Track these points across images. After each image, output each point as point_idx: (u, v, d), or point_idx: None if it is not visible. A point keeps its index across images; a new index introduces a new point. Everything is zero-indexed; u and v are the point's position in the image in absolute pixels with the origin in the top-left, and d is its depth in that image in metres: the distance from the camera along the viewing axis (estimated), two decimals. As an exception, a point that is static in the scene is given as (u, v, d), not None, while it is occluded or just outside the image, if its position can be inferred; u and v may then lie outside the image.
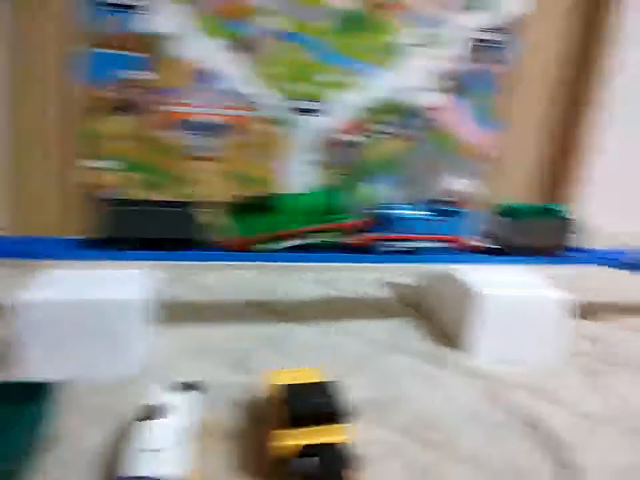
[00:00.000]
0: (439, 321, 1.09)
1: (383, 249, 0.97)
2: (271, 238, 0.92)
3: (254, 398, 0.77)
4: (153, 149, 1.39)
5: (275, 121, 1.42)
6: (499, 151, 1.54)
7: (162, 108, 1.36)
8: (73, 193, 1.37)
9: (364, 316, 1.11)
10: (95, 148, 1.36)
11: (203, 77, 1.35)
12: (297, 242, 0.93)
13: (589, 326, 1.13)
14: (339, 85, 1.40)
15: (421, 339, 1.02)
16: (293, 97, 1.40)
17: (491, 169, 1.56)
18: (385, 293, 1.27)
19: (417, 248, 0.98)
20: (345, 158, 1.50)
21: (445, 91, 1.45)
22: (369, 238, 0.96)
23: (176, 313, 1.05)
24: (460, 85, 1.45)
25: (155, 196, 1.44)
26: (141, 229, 0.88)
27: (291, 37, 1.34)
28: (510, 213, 1.03)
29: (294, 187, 1.50)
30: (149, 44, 1.29)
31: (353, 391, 0.77)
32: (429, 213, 0.98)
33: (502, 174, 1.57)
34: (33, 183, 1.35)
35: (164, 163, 1.40)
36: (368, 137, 1.48)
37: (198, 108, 1.37)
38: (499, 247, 1.05)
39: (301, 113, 1.42)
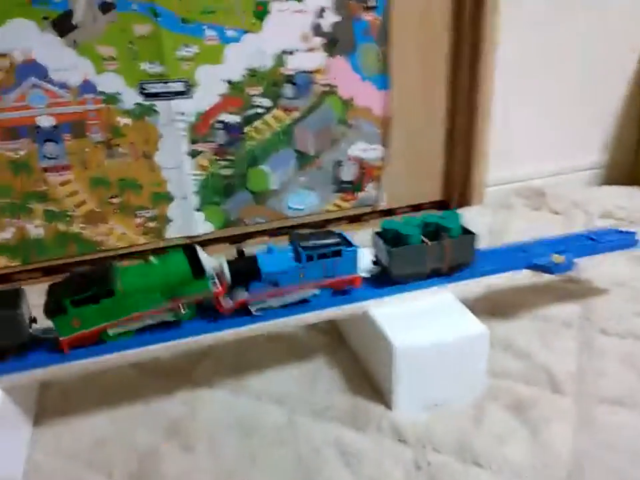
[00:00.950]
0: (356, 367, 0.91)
1: (259, 308, 0.79)
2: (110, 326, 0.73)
3: None
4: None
5: (129, 112, 1.17)
6: (388, 110, 1.40)
7: (-24, 117, 1.07)
8: None
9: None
10: None
11: (21, 71, 1.07)
12: (143, 323, 0.74)
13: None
14: (197, 58, 1.18)
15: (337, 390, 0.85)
16: (142, 80, 1.16)
17: (384, 130, 1.42)
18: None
19: (304, 299, 0.81)
20: (226, 142, 1.29)
21: (319, 49, 1.28)
22: (239, 302, 0.78)
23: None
24: (333, 40, 1.28)
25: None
26: None
27: (124, 5, 1.10)
28: (389, 236, 0.86)
29: (178, 185, 1.27)
30: None
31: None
32: (306, 252, 0.79)
33: (398, 136, 1.43)
34: None
35: (3, 181, 1.12)
36: (245, 114, 1.28)
37: (26, 111, 1.10)
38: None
39: (158, 98, 1.19)
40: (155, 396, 0.83)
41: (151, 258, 0.74)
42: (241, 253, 0.79)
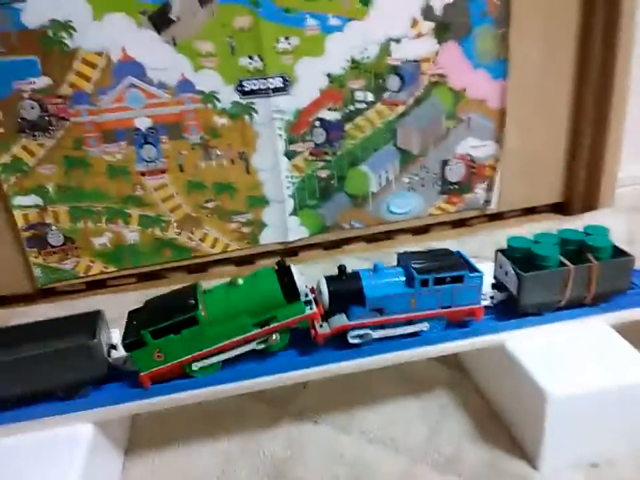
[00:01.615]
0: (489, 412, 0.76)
1: (359, 336, 0.67)
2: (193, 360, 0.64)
3: None
4: (80, 170, 1.07)
5: (226, 112, 1.10)
6: (504, 102, 1.24)
7: (74, 120, 1.04)
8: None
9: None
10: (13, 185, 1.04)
11: (118, 71, 1.03)
12: (230, 354, 0.65)
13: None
14: (297, 51, 1.09)
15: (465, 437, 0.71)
16: (240, 76, 1.08)
17: (498, 124, 1.26)
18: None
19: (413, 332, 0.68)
20: (324, 141, 1.19)
21: (429, 34, 1.15)
22: (336, 329, 0.66)
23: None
24: (444, 23, 1.14)
25: (93, 231, 1.12)
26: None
27: (222, -3, 1.02)
28: (516, 255, 0.71)
29: (274, 188, 1.19)
30: (34, 40, 0.97)
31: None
32: (421, 276, 0.65)
33: (513, 131, 1.27)
34: None
35: (101, 186, 1.09)
36: (346, 110, 1.17)
37: (124, 112, 1.06)
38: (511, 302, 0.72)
39: (256, 96, 1.11)
40: (254, 427, 0.74)
41: (238, 279, 0.64)
42: (342, 270, 0.68)
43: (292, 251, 1.30)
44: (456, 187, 1.31)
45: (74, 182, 1.08)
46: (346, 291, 0.66)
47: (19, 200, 1.07)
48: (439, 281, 0.65)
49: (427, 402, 0.75)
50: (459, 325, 0.70)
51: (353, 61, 1.13)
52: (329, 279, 0.66)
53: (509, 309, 0.71)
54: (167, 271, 1.23)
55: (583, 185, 1.35)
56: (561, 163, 1.35)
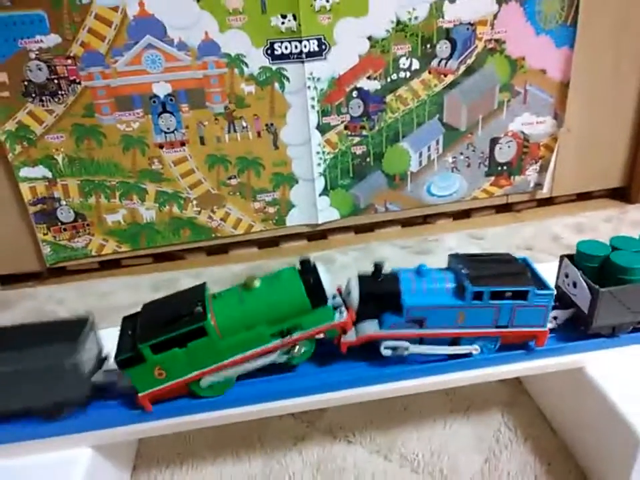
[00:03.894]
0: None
1: (390, 352, 0.55)
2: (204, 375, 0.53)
3: None
4: (92, 140, 0.97)
5: (254, 78, 0.98)
6: (567, 73, 1.09)
7: (86, 84, 0.93)
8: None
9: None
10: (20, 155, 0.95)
11: (135, 28, 0.91)
12: (244, 369, 0.54)
13: None
14: (338, 9, 0.96)
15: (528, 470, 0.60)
16: (271, 38, 0.96)
17: (559, 99, 1.11)
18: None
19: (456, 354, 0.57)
20: (361, 114, 1.06)
21: (488, -7, 1.00)
22: (364, 337, 0.55)
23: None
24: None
25: (106, 207, 1.03)
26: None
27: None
28: (588, 263, 0.58)
29: (304, 165, 1.08)
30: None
31: None
32: (475, 287, 0.53)
33: (574, 106, 1.12)
34: None
35: (114, 158, 0.99)
36: (388, 79, 1.04)
37: (141, 76, 0.94)
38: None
39: (287, 61, 0.98)
40: (278, 445, 0.65)
41: (254, 281, 0.53)
42: (378, 269, 0.56)
43: (320, 234, 1.19)
44: (504, 168, 1.18)
45: (85, 153, 0.98)
46: (380, 294, 0.54)
47: (25, 171, 0.97)
48: (496, 295, 0.54)
49: (481, 426, 0.65)
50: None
51: (399, 23, 0.99)
52: (362, 279, 0.55)
53: (575, 327, 0.59)
54: (185, 252, 1.14)
55: (648, 170, 1.21)
56: (624, 145, 1.21)
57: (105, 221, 1.04)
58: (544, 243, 1.07)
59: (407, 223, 1.23)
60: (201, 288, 0.54)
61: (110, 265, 1.11)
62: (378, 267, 0.55)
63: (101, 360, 0.55)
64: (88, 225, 1.04)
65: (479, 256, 0.58)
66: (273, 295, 0.52)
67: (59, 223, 1.02)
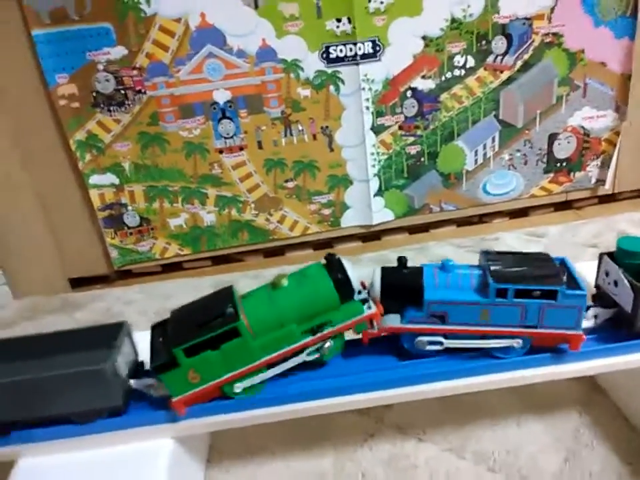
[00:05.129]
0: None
1: (422, 347, 0.55)
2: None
3: None
4: (156, 147, 1.01)
5: (309, 82, 1.00)
6: (629, 65, 1.05)
7: (151, 93, 0.97)
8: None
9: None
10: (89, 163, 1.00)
11: (197, 39, 0.95)
12: (278, 370, 0.54)
13: None
14: (392, 10, 0.96)
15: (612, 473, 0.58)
16: (326, 42, 0.97)
17: (620, 92, 1.08)
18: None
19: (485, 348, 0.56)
20: (415, 113, 1.06)
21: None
22: (386, 329, 0.55)
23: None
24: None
25: (169, 211, 1.07)
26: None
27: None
28: (631, 261, 0.56)
29: (359, 166, 1.09)
30: (109, 6, 0.90)
31: None
32: (498, 283, 0.52)
33: (636, 99, 1.08)
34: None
35: (177, 164, 1.03)
36: (442, 78, 1.04)
37: (202, 84, 0.98)
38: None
39: (342, 63, 0.99)
40: (347, 441, 0.66)
41: (282, 279, 0.53)
42: (402, 262, 0.56)
43: (374, 235, 1.19)
44: (564, 164, 1.15)
45: (150, 160, 1.02)
46: (402, 287, 0.54)
47: (95, 179, 1.02)
48: (522, 294, 0.52)
49: (557, 426, 0.64)
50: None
51: (453, 20, 0.99)
52: (385, 270, 0.55)
53: (613, 327, 0.57)
54: (243, 254, 1.17)
55: None
56: (693, 137, 1.16)
57: (167, 225, 1.08)
58: (609, 241, 1.03)
59: (462, 222, 1.21)
60: (229, 290, 0.54)
61: (172, 268, 1.15)
62: (402, 259, 0.56)
63: (137, 365, 0.56)
64: (152, 229, 1.08)
65: (511, 254, 0.57)
66: (302, 292, 0.53)
67: (126, 228, 1.07)
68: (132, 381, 0.54)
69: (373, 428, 0.67)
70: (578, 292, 0.52)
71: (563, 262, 0.56)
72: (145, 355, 0.55)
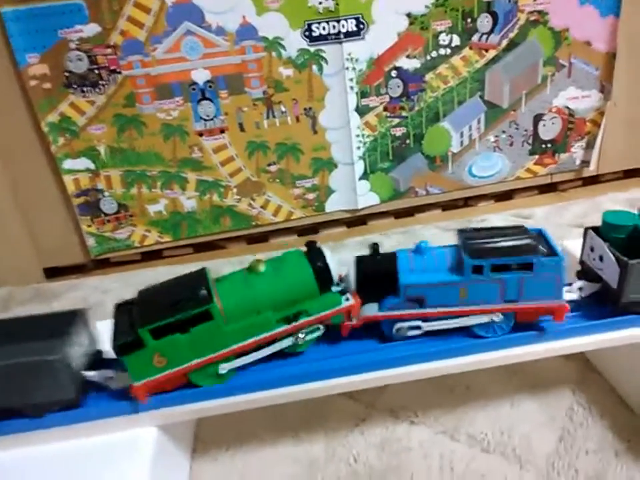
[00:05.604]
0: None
1: (403, 333, 0.54)
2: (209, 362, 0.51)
3: None
4: (133, 130, 0.97)
5: (292, 61, 0.97)
6: (614, 44, 1.05)
7: (127, 73, 0.93)
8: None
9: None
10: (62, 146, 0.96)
11: (173, 15, 0.91)
12: (257, 355, 0.52)
13: None
14: (372, -13, 0.94)
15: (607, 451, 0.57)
16: (308, 19, 0.94)
17: (605, 71, 1.07)
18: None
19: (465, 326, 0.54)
20: (400, 94, 1.04)
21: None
22: (364, 319, 0.53)
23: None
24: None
25: (148, 197, 1.03)
26: None
27: None
28: (616, 235, 0.55)
29: (343, 149, 1.06)
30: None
31: None
32: (473, 260, 0.50)
33: (621, 79, 1.08)
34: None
35: (155, 147, 0.99)
36: (427, 57, 1.02)
37: (180, 64, 0.94)
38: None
39: (325, 42, 0.97)
40: (339, 426, 0.64)
41: (259, 264, 0.51)
42: (375, 250, 0.54)
43: (360, 220, 1.17)
44: (549, 145, 1.14)
45: (126, 143, 0.98)
46: (376, 274, 0.53)
47: (68, 163, 0.98)
48: (499, 268, 0.51)
49: (551, 405, 0.62)
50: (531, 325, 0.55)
51: (438, -2, 0.97)
52: (359, 259, 0.53)
53: (598, 303, 0.56)
54: (225, 241, 1.14)
55: (702, 143, 1.15)
56: (675, 117, 1.16)
57: (146, 212, 1.04)
58: (595, 221, 1.02)
59: (447, 206, 1.20)
60: (203, 272, 0.51)
61: (152, 256, 1.11)
62: (374, 246, 0.54)
63: (95, 355, 0.53)
64: (130, 215, 1.04)
65: (487, 229, 0.55)
66: (281, 279, 0.51)
67: (103, 215, 1.03)
68: (88, 373, 0.50)
69: (364, 412, 0.66)
70: (552, 259, 0.50)
71: (540, 233, 0.55)
72: (108, 344, 0.50)
